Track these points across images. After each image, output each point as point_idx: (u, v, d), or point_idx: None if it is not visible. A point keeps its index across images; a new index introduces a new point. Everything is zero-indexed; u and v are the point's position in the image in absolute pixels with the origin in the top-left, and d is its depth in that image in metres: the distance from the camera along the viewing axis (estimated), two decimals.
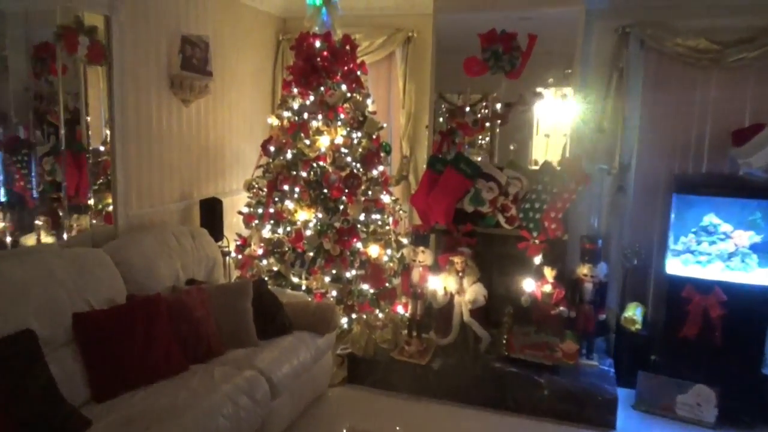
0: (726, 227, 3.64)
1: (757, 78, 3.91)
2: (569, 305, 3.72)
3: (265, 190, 4.12)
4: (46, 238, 3.14)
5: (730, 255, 3.58)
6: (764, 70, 3.87)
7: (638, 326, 3.88)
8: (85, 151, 3.32)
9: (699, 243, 3.68)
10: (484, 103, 5.04)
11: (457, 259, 3.77)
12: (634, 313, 3.93)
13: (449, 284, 3.84)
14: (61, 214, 3.22)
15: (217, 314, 3.27)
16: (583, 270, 3.76)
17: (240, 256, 4.20)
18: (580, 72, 4.05)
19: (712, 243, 3.65)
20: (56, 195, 3.21)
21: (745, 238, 3.59)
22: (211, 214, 4.08)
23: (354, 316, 4.00)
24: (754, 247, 3.58)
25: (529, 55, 3.81)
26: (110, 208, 3.44)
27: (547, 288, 3.79)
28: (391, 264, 4.18)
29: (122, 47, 3.37)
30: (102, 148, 3.45)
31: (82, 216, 3.38)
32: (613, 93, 4.18)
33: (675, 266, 3.70)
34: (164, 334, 2.94)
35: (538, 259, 3.85)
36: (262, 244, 4.09)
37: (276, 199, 4.05)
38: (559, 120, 4.37)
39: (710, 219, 3.67)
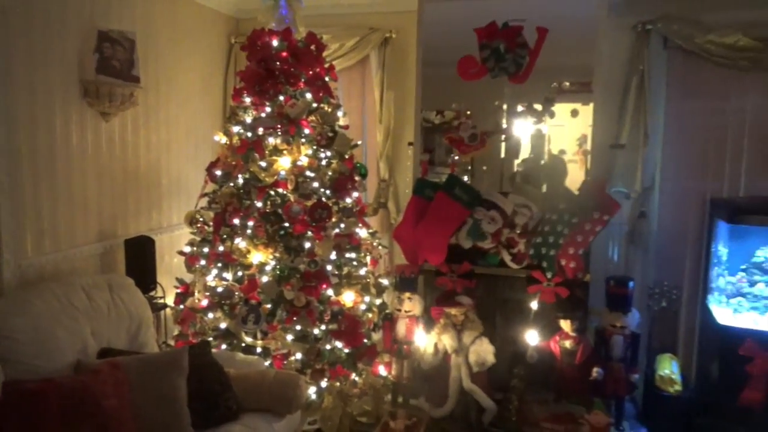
0: None
1: None
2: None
3: (212, 224, 3.28)
4: None
5: None
6: None
7: (678, 387, 3.13)
8: None
9: (752, 284, 2.97)
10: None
11: (455, 312, 2.98)
12: (670, 370, 3.18)
13: (445, 341, 3.04)
14: None
15: (138, 400, 2.39)
16: (612, 320, 3.00)
17: (181, 307, 3.33)
18: (600, 78, 3.34)
19: None
20: None
21: None
22: (140, 257, 3.21)
23: (324, 383, 3.15)
24: None
25: (538, 53, 3.09)
26: None
27: (568, 343, 3.03)
28: (370, 315, 3.36)
29: (7, 42, 2.51)
30: None
31: None
32: (631, 101, 3.50)
33: (725, 313, 2.97)
34: None
35: (534, 304, 3.08)
36: (207, 294, 3.22)
37: (224, 236, 3.21)
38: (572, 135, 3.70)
39: (766, 254, 2.96)
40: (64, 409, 2.14)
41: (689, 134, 3.50)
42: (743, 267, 3.02)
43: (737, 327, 2.86)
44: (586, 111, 3.52)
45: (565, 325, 3.03)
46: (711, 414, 2.99)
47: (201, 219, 3.39)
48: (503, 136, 3.33)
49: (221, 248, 3.24)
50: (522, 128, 3.80)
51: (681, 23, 3.35)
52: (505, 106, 3.43)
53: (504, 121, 3.29)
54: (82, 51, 2.93)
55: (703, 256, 3.32)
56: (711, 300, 3.08)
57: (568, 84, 3.28)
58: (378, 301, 3.44)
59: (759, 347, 2.74)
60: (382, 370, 3.34)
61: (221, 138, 3.35)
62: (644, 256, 3.58)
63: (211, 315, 3.24)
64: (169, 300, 3.45)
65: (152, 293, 3.28)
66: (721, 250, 3.06)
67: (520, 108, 3.56)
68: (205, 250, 3.30)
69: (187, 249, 3.37)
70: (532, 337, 2.99)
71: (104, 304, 2.74)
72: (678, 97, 3.49)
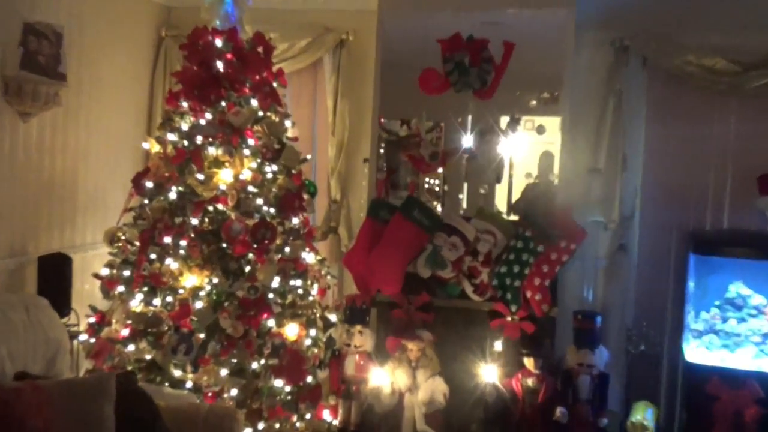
0: (758, 299, 3.85)
1: None
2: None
3: (137, 243, 3.96)
4: None
5: (765, 336, 3.77)
6: None
7: None
8: None
9: (725, 320, 3.86)
10: (437, 133, 5.20)
11: (412, 346, 3.76)
12: (643, 417, 4.01)
13: (398, 378, 3.81)
14: None
15: (62, 425, 3.05)
16: (578, 358, 3.83)
17: (94, 340, 3.98)
18: (568, 95, 4.24)
19: (742, 320, 3.84)
20: None
21: None
22: (56, 276, 3.89)
23: (262, 425, 3.86)
24: None
25: (504, 69, 3.96)
26: None
27: (531, 381, 3.84)
28: (316, 350, 4.09)
29: None
30: None
31: None
32: (609, 123, 4.39)
33: (696, 352, 3.85)
34: None
35: (498, 344, 3.90)
36: (129, 322, 3.89)
37: (152, 256, 3.89)
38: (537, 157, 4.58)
39: (738, 289, 3.87)
40: None
41: (671, 160, 4.43)
42: (717, 303, 3.91)
43: (705, 365, 3.74)
44: None
45: (529, 362, 3.85)
46: None
47: (124, 237, 4.06)
48: (465, 156, 4.17)
49: (146, 272, 3.91)
50: (504, 147, 4.69)
51: (660, 41, 4.30)
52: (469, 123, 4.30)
53: (465, 139, 4.14)
54: (5, 44, 3.63)
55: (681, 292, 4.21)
56: (686, 339, 3.96)
57: (534, 102, 4.19)
58: (325, 336, 4.18)
59: (725, 385, 3.63)
60: (326, 415, 4.05)
61: (153, 146, 4.07)
62: (623, 294, 4.45)
63: (132, 346, 3.90)
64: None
65: (66, 320, 3.94)
66: (695, 285, 3.96)
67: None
68: (127, 273, 3.96)
69: (105, 271, 4.03)
70: (490, 374, 3.79)
71: (20, 325, 3.39)
72: (659, 120, 4.42)
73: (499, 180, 4.78)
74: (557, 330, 4.06)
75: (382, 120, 4.73)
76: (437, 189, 5.35)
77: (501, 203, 5.17)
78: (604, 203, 4.42)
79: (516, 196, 4.57)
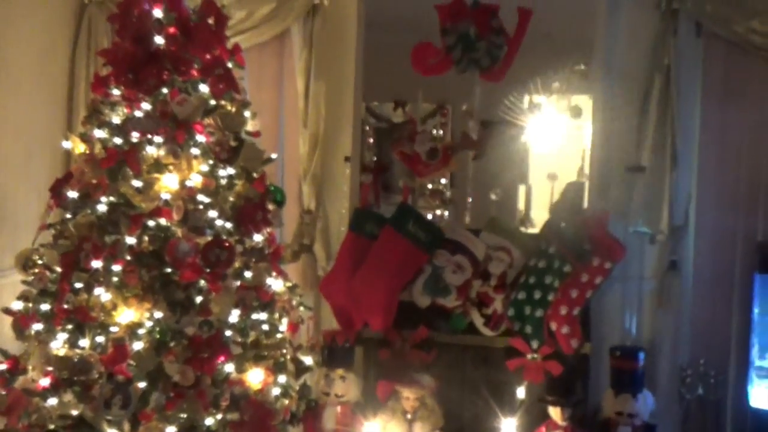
0: None
1: None
2: None
3: (58, 269, 4.04)
4: None
5: None
6: None
7: None
8: None
9: None
10: (440, 119, 5.26)
11: (408, 393, 3.87)
12: None
13: None
14: None
15: None
16: (616, 405, 3.95)
17: (5, 392, 4.07)
18: (600, 72, 4.36)
19: None
20: None
21: None
22: None
23: None
24: None
25: (519, 43, 4.07)
26: None
27: None
28: (287, 401, 4.17)
29: None
30: None
31: None
32: (654, 107, 4.49)
33: (765, 396, 3.98)
34: None
35: (521, 391, 4.02)
36: (49, 368, 3.98)
37: (78, 285, 3.97)
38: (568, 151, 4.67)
39: None
40: None
41: (734, 155, 4.54)
42: None
43: None
44: None
45: (555, 412, 3.96)
46: None
47: (41, 261, 4.14)
48: (473, 152, 4.28)
49: (69, 305, 3.98)
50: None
51: (717, 4, 4.38)
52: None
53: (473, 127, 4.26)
54: None
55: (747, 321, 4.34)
56: (750, 380, 4.10)
57: (557, 84, 4.32)
58: (298, 384, 4.26)
59: None
60: None
61: (76, 145, 4.16)
62: (675, 324, 4.54)
63: (54, 399, 3.99)
64: None
65: None
66: (761, 312, 4.08)
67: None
68: (46, 306, 4.04)
69: (18, 305, 4.11)
70: (507, 429, 3.92)
71: None
72: (719, 103, 4.52)
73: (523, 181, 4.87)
74: (591, 371, 4.18)
75: (374, 103, 4.81)
76: (442, 189, 5.43)
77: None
78: (649, 209, 4.52)
79: (537, 200, 4.65)
